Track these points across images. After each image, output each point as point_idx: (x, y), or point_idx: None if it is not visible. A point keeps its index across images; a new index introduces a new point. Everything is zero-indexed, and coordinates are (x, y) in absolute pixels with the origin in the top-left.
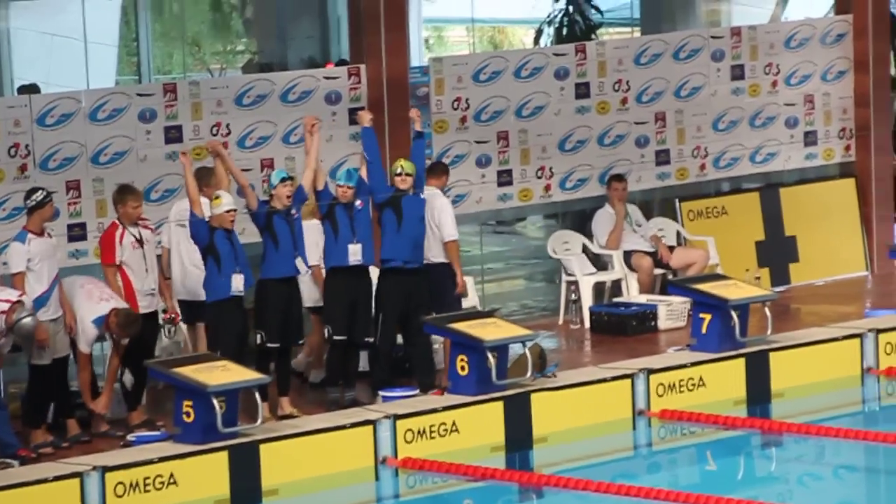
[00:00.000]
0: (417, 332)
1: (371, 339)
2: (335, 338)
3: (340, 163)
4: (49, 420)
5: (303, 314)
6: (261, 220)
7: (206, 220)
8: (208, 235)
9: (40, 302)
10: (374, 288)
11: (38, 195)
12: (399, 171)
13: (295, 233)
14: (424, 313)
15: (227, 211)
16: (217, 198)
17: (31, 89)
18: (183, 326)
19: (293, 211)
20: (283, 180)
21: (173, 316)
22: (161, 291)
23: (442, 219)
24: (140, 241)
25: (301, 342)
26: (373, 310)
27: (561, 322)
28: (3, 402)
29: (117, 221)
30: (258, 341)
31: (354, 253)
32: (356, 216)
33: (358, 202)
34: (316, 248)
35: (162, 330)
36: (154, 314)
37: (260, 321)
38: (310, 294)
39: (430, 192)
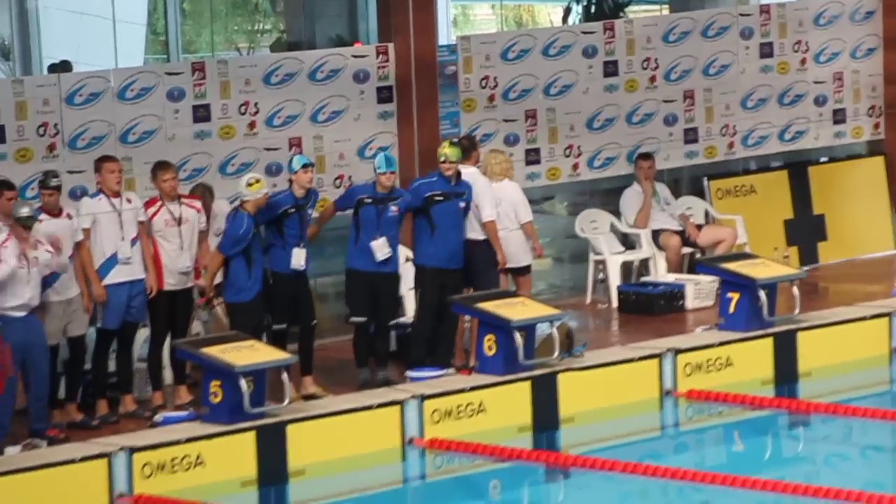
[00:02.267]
0: (448, 313)
1: (394, 321)
2: (353, 319)
3: (368, 142)
4: (78, 399)
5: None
6: (273, 215)
7: (245, 213)
8: (252, 226)
9: (49, 282)
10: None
11: (54, 181)
12: (443, 158)
13: (303, 229)
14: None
15: (267, 194)
16: (258, 181)
17: (62, 67)
18: (219, 309)
19: (309, 209)
20: (304, 166)
21: (211, 296)
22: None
23: (481, 199)
24: (177, 220)
25: (315, 322)
26: (399, 292)
27: (588, 301)
28: (47, 385)
29: (158, 197)
30: (265, 322)
31: (381, 248)
32: (385, 219)
33: (392, 208)
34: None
35: (196, 311)
36: (186, 293)
37: (268, 306)
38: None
39: (468, 171)
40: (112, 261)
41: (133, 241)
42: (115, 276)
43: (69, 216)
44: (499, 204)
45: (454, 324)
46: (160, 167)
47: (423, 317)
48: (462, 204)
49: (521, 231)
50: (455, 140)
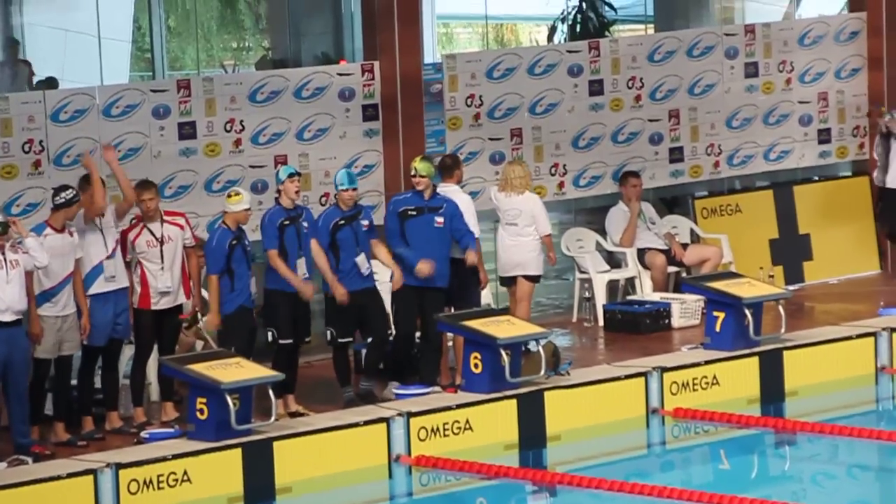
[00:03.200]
0: (432, 331)
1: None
2: (342, 340)
3: (354, 159)
4: (63, 416)
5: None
6: (274, 231)
7: (222, 227)
8: (225, 239)
9: (47, 296)
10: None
11: (68, 194)
12: (413, 172)
13: (301, 239)
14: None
15: (247, 210)
16: (237, 194)
17: (48, 84)
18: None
19: (304, 221)
20: (290, 176)
21: (195, 314)
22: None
23: (464, 217)
24: (158, 239)
25: (308, 340)
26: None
27: (574, 320)
28: (25, 399)
29: (140, 217)
30: (269, 339)
31: (363, 263)
32: (361, 235)
33: (364, 222)
34: None
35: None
36: (173, 311)
37: (270, 320)
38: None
39: (449, 189)
40: (96, 271)
41: (113, 253)
42: (98, 287)
43: (71, 233)
44: (518, 216)
45: (437, 343)
46: (143, 187)
47: (396, 335)
48: (439, 219)
49: (537, 240)
50: (428, 155)
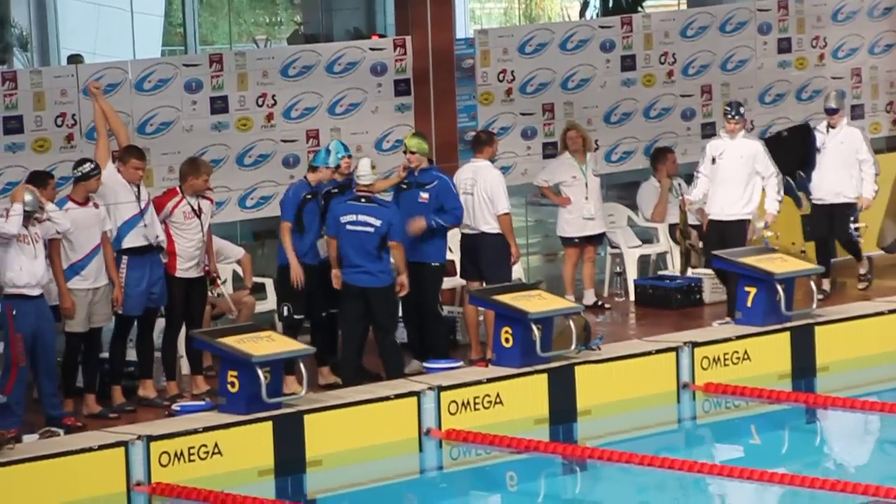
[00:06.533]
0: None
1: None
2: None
3: (385, 134)
4: (96, 388)
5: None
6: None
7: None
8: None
9: (76, 269)
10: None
11: (87, 167)
12: (404, 149)
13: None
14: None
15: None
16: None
17: (76, 60)
18: (223, 290)
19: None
20: (343, 157)
21: (214, 276)
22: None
23: (494, 192)
24: (196, 211)
25: (333, 310)
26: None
27: (606, 295)
28: (55, 372)
29: (178, 189)
30: (285, 313)
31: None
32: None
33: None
34: None
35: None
36: (200, 281)
37: (286, 294)
38: None
39: (479, 165)
40: (131, 223)
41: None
42: (135, 239)
43: (96, 205)
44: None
45: (436, 325)
46: (206, 167)
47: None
48: (424, 195)
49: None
50: (420, 132)
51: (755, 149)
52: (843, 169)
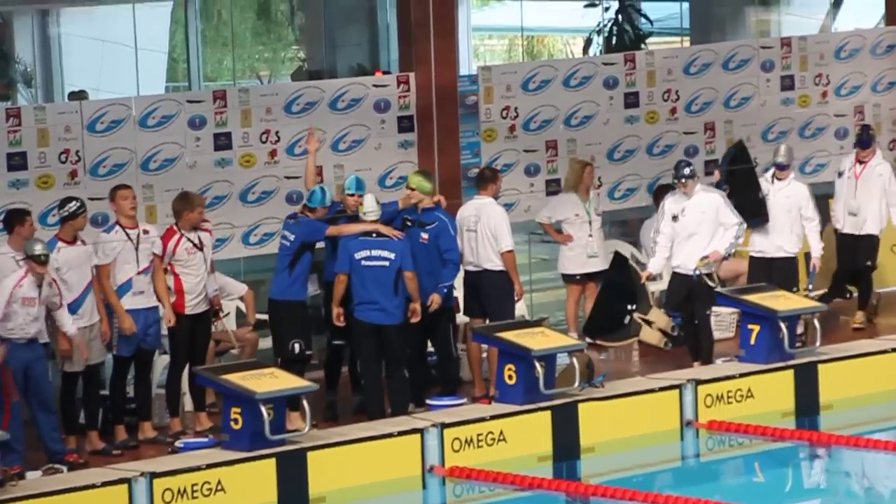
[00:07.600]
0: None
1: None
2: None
3: (389, 171)
4: (98, 426)
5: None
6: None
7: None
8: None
9: (71, 309)
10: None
11: (73, 206)
12: (407, 185)
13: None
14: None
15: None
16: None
17: (79, 96)
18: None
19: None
20: (351, 193)
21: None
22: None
23: (497, 229)
24: (197, 246)
25: (310, 352)
26: None
27: None
28: (51, 408)
29: (175, 228)
30: (296, 350)
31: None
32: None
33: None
34: None
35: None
36: (205, 315)
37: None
38: None
39: (483, 202)
40: (125, 287)
41: (146, 271)
42: (127, 303)
43: (83, 243)
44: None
45: (449, 364)
46: (199, 200)
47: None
48: (424, 235)
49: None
50: (424, 171)
51: (717, 202)
52: (786, 224)
